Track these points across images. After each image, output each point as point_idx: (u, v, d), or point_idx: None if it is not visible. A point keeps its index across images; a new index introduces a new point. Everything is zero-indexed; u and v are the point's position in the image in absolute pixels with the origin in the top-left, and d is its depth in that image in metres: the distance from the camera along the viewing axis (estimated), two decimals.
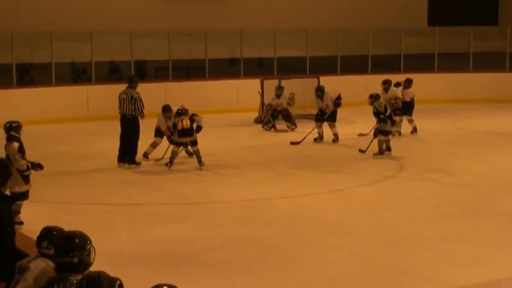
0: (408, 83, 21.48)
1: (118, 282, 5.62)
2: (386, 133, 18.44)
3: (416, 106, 22.21)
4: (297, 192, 15.32)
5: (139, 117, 17.31)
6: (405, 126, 21.05)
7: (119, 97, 17.56)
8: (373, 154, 18.44)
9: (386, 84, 21.03)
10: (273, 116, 23.06)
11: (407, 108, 21.02)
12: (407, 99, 21.11)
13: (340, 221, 13.27)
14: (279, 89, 23.28)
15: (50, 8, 25.67)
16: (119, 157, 17.37)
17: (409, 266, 10.78)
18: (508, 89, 28.08)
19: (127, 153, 17.35)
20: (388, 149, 18.56)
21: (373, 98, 18.86)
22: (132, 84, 17.89)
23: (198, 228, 12.27)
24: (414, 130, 21.10)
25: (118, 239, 11.55)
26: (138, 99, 17.34)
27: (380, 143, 18.46)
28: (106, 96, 21.73)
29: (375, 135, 18.53)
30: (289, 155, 19.20)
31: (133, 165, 16.98)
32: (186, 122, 16.38)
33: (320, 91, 20.58)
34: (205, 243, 11.73)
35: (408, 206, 14.34)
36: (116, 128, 17.54)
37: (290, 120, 23.01)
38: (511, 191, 15.20)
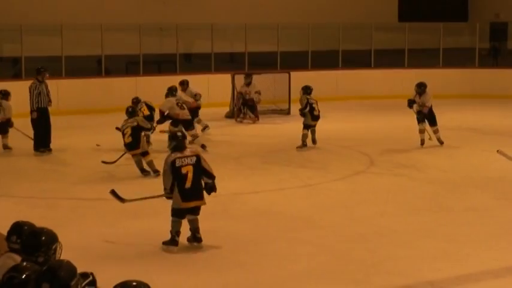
0: (422, 87, 19.20)
1: (90, 277, 5.60)
2: (307, 127, 19.00)
3: (387, 101, 22.28)
4: (267, 187, 15.37)
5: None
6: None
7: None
8: (296, 147, 18.98)
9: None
10: (243, 104, 23.25)
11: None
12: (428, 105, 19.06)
13: (311, 216, 13.31)
14: (248, 77, 23.51)
15: (20, 1, 25.53)
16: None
17: (379, 260, 10.83)
18: (477, 84, 28.30)
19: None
20: (314, 141, 19.25)
21: (302, 90, 19.72)
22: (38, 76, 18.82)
23: (167, 224, 12.25)
24: (441, 143, 19.17)
25: (87, 234, 11.53)
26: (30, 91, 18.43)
27: (303, 136, 18.99)
28: (76, 90, 21.69)
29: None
30: (260, 150, 19.26)
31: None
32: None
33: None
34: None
35: (378, 201, 14.39)
36: (85, 122, 17.54)
37: (254, 111, 23.20)
38: (481, 187, 15.31)
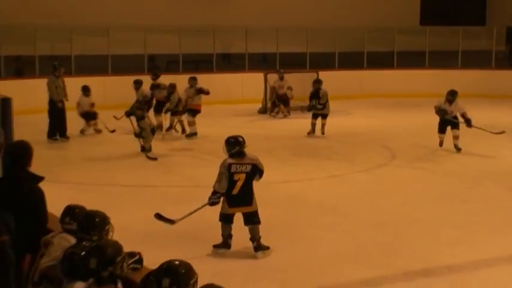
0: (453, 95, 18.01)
1: (137, 256, 5.70)
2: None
3: (408, 100, 22.19)
4: (296, 178, 15.43)
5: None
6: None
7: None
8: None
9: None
10: (277, 98, 23.39)
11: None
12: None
13: (336, 204, 13.35)
14: (280, 72, 23.61)
15: (70, 4, 25.67)
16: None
17: (399, 246, 10.87)
18: (494, 85, 28.09)
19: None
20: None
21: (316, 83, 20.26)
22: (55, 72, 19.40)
23: (205, 209, 12.32)
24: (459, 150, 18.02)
25: (132, 217, 11.61)
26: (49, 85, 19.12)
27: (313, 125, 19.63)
28: (121, 86, 21.79)
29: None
30: (290, 144, 19.32)
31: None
32: None
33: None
34: (212, 222, 11.78)
35: (399, 192, 14.42)
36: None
37: (287, 106, 23.27)
38: (493, 179, 15.26)
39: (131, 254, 5.64)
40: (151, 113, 19.16)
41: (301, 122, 21.05)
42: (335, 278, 9.51)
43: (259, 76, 24.78)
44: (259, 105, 24.50)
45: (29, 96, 20.61)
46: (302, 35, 27.55)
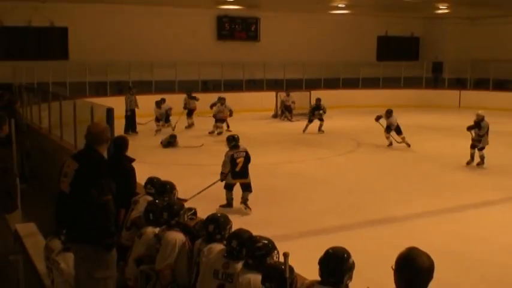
0: (389, 113, 17.12)
1: (193, 210, 5.70)
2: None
3: (369, 109, 22.07)
4: (296, 160, 15.40)
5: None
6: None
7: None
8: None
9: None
10: (284, 108, 23.54)
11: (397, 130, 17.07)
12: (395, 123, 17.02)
13: (322, 177, 13.35)
14: (286, 91, 23.99)
15: (152, 46, 25.64)
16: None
17: (363, 204, 10.87)
18: (424, 99, 28.07)
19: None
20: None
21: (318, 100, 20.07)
22: (130, 91, 19.83)
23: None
24: (408, 145, 16.96)
25: (188, 184, 11.59)
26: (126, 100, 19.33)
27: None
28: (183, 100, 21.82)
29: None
30: (292, 137, 19.23)
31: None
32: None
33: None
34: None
35: (363, 168, 14.41)
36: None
37: (290, 113, 23.31)
38: (424, 160, 15.23)
39: (189, 209, 5.64)
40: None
41: (300, 124, 21.00)
42: (321, 225, 9.51)
43: (272, 94, 24.78)
44: (272, 113, 24.53)
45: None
46: (300, 67, 27.47)
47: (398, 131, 17.08)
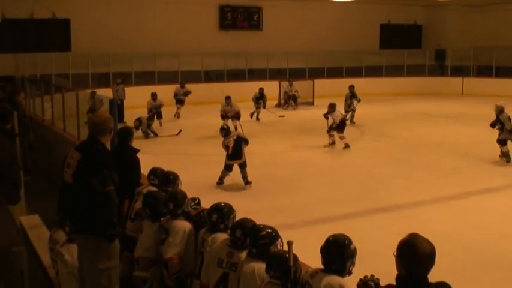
0: (332, 108, 15.42)
1: (197, 200, 5.70)
2: None
3: (371, 97, 22.05)
4: (300, 148, 15.39)
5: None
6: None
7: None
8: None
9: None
10: (288, 97, 23.44)
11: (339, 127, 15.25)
12: (337, 120, 15.22)
13: (325, 165, 13.43)
14: (290, 81, 23.78)
15: (155, 37, 25.51)
16: None
17: (366, 192, 10.89)
18: (427, 87, 27.94)
19: None
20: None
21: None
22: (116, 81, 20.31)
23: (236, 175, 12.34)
24: (346, 146, 15.08)
25: (192, 174, 11.62)
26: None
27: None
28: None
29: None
30: (295, 127, 19.20)
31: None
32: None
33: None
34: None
35: (365, 156, 14.39)
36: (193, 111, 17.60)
37: (295, 102, 23.27)
38: (427, 148, 15.19)
39: (193, 199, 5.64)
40: None
41: (304, 112, 20.96)
42: (325, 213, 9.52)
43: (276, 83, 24.70)
44: (275, 102, 24.45)
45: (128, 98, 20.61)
46: (303, 56, 27.41)
47: (340, 128, 15.10)
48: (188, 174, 11.54)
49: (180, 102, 21.10)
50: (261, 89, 21.06)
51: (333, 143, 15.33)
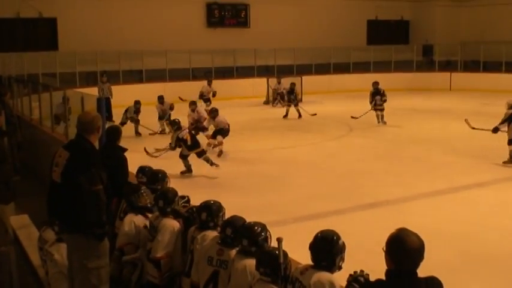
0: (213, 113, 14.09)
1: (186, 198, 5.69)
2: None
3: (360, 93, 22.03)
4: (288, 145, 15.36)
5: None
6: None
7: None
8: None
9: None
10: (277, 95, 23.30)
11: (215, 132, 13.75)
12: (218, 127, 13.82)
13: (314, 161, 13.34)
14: (279, 79, 23.58)
15: (141, 36, 25.38)
16: None
17: (355, 188, 10.85)
18: (415, 82, 28.12)
19: None
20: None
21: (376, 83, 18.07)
22: (101, 79, 19.82)
23: (229, 166, 12.31)
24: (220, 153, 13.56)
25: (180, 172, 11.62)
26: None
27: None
28: (175, 88, 21.71)
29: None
30: (283, 123, 19.20)
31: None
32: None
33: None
34: (234, 175, 11.81)
35: (354, 152, 14.39)
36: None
37: (283, 99, 23.20)
38: (417, 143, 15.23)
39: (182, 197, 5.63)
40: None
41: (292, 109, 20.93)
42: (314, 210, 9.50)
43: (264, 80, 24.71)
44: (263, 99, 24.45)
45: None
46: (291, 52, 27.42)
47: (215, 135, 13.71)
48: (176, 172, 11.63)
49: (207, 101, 20.00)
50: (292, 84, 20.21)
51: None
